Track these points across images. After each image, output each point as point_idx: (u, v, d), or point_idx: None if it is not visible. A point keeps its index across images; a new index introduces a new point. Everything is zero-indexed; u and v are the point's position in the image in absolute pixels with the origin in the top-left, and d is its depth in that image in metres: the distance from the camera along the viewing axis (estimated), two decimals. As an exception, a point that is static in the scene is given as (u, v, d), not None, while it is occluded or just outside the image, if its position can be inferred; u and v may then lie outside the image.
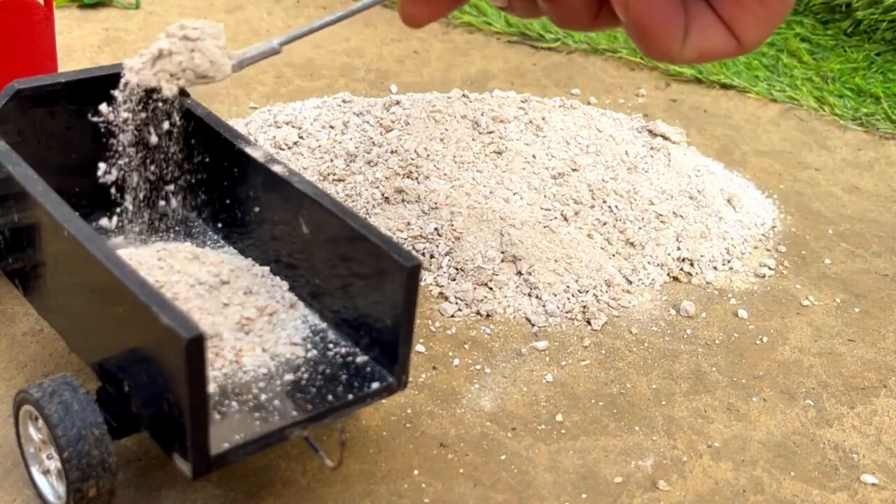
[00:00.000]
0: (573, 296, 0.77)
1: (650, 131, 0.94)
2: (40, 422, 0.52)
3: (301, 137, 0.89)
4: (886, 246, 0.91)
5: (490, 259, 0.77)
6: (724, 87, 1.21)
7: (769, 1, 0.40)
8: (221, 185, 0.66)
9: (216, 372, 0.54)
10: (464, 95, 0.95)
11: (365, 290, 0.56)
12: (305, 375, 0.55)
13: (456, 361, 0.70)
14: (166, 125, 0.60)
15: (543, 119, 0.91)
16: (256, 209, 0.63)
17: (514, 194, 0.83)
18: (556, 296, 0.76)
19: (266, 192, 0.61)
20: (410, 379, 0.61)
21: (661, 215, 0.84)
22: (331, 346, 0.58)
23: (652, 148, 0.92)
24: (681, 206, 0.86)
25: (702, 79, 1.21)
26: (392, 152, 0.85)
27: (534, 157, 0.87)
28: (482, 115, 0.89)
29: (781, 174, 1.02)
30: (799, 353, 0.75)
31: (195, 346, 0.45)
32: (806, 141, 1.10)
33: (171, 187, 0.66)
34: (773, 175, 1.02)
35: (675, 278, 0.82)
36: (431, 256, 0.78)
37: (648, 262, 0.81)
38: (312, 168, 0.85)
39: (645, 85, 1.20)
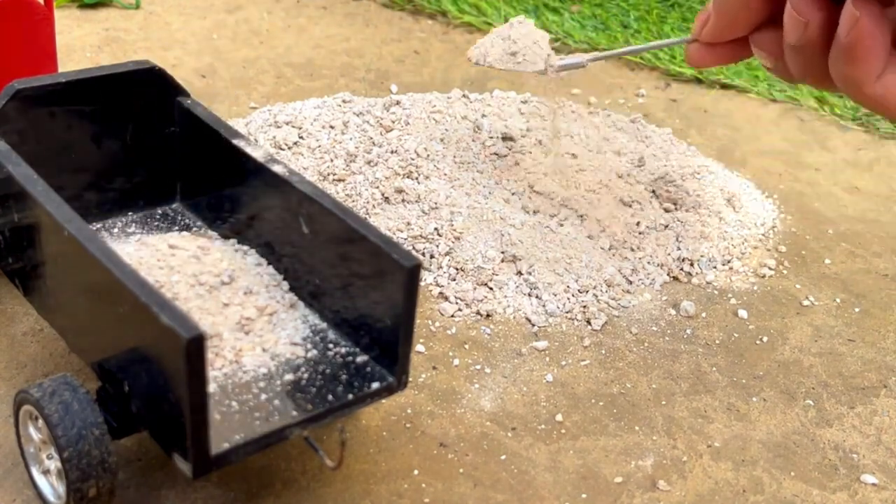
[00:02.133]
0: (573, 296, 0.77)
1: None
2: (40, 422, 0.52)
3: (301, 137, 0.89)
4: (886, 246, 0.91)
5: (490, 259, 0.77)
6: (724, 87, 1.21)
7: None
8: (221, 185, 0.66)
9: (216, 372, 0.54)
10: (464, 95, 0.95)
11: (365, 290, 0.56)
12: (305, 375, 0.55)
13: (456, 361, 0.70)
14: None
15: (544, 122, 0.91)
16: (256, 209, 0.63)
17: (514, 194, 0.83)
18: (556, 296, 0.76)
19: (266, 192, 0.61)
20: (410, 379, 0.61)
21: (664, 212, 0.84)
22: (331, 346, 0.58)
23: (649, 146, 0.92)
24: (681, 207, 0.86)
25: (702, 79, 1.21)
26: (392, 152, 0.85)
27: (535, 154, 0.87)
28: (488, 129, 0.89)
29: (781, 174, 1.02)
30: (799, 353, 0.75)
31: (195, 346, 0.45)
32: (806, 141, 1.11)
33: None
34: (773, 175, 1.02)
35: (675, 278, 0.82)
36: (431, 256, 0.78)
37: (648, 262, 0.81)
38: (312, 168, 0.85)
39: (645, 85, 1.20)
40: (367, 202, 0.81)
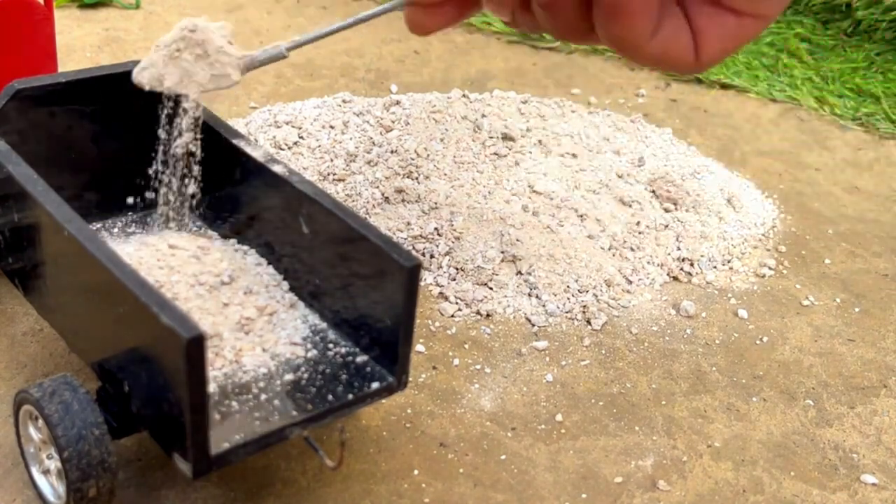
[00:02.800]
0: (573, 296, 0.77)
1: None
2: (40, 422, 0.52)
3: (301, 137, 0.89)
4: (886, 246, 0.91)
5: (490, 259, 0.77)
6: (724, 87, 1.21)
7: (743, 20, 0.39)
8: (221, 184, 0.66)
9: (216, 372, 0.54)
10: (464, 95, 0.95)
11: (365, 290, 0.56)
12: (305, 375, 0.55)
13: (456, 361, 0.70)
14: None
15: (544, 122, 0.91)
16: (256, 209, 0.63)
17: (514, 195, 0.83)
18: (556, 296, 0.76)
19: (266, 192, 0.61)
20: (410, 379, 0.61)
21: (664, 212, 0.84)
22: (331, 346, 0.58)
23: (649, 146, 0.92)
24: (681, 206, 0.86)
25: (702, 79, 1.21)
26: (392, 152, 0.85)
27: (532, 154, 0.87)
28: (488, 129, 0.89)
29: (781, 174, 1.02)
30: (799, 353, 0.75)
31: (195, 346, 0.45)
32: (806, 141, 1.10)
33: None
34: (773, 175, 1.02)
35: (675, 278, 0.82)
36: (431, 256, 0.78)
37: (648, 262, 0.81)
38: (312, 168, 0.85)
39: (645, 85, 1.20)
40: (367, 202, 0.81)
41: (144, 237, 0.65)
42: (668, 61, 0.39)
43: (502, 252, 0.78)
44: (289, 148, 0.88)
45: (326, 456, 0.57)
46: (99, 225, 0.68)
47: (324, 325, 0.59)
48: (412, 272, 0.51)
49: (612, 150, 0.91)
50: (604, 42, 0.39)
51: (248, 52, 0.58)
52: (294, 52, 0.58)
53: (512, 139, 0.88)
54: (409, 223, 0.79)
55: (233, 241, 0.65)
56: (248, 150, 0.62)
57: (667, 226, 0.84)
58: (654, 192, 0.87)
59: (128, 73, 0.66)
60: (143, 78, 0.59)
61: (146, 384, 0.50)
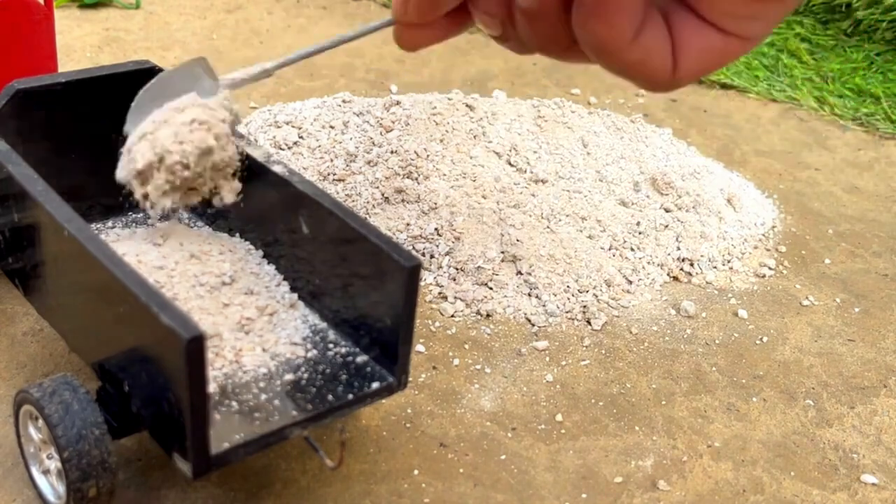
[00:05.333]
0: (573, 296, 0.77)
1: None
2: (40, 422, 0.52)
3: (301, 137, 0.89)
4: (886, 246, 0.91)
5: (490, 259, 0.77)
6: (724, 87, 1.21)
7: (728, 39, 0.37)
8: (221, 185, 0.66)
9: (216, 372, 0.54)
10: (464, 96, 0.95)
11: (365, 290, 0.56)
12: (305, 375, 0.55)
13: (456, 361, 0.70)
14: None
15: (542, 123, 0.91)
16: (256, 209, 0.63)
17: (514, 195, 0.83)
18: (556, 296, 0.76)
19: (266, 192, 0.61)
20: (410, 379, 0.61)
21: (665, 212, 0.84)
22: (331, 346, 0.58)
23: (648, 146, 0.92)
24: (681, 206, 0.86)
25: (702, 79, 1.21)
26: (392, 152, 0.85)
27: (535, 154, 0.87)
28: (491, 133, 0.89)
29: (781, 174, 1.02)
30: (799, 353, 0.75)
31: (195, 346, 0.45)
32: (806, 141, 1.10)
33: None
34: (773, 175, 1.02)
35: (675, 278, 0.82)
36: (431, 256, 0.78)
37: (648, 262, 0.81)
38: (312, 168, 0.85)
39: (645, 85, 1.20)
40: (367, 202, 0.81)
41: (144, 237, 0.65)
42: (645, 71, 0.37)
43: (502, 252, 0.78)
44: (289, 148, 0.88)
45: (326, 456, 0.57)
46: (99, 225, 0.68)
47: (324, 325, 0.59)
48: (412, 272, 0.51)
49: (611, 151, 0.91)
50: (583, 47, 0.38)
51: (231, 74, 0.58)
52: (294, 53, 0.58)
53: (512, 139, 0.88)
54: (408, 223, 0.79)
55: (233, 241, 0.65)
56: (248, 150, 0.62)
57: (667, 226, 0.84)
58: (653, 191, 0.87)
59: (128, 73, 0.66)
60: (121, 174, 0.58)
61: (146, 384, 0.50)
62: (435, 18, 0.44)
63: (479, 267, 0.77)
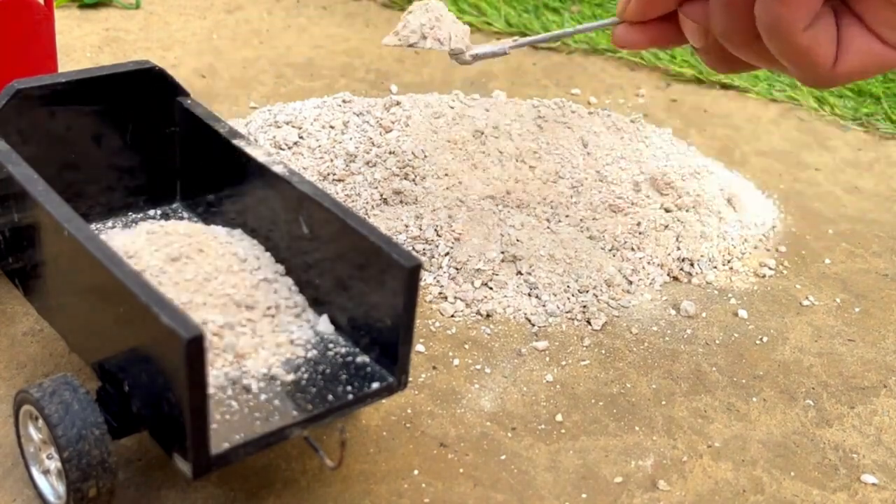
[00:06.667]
0: (573, 296, 0.77)
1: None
2: (40, 422, 0.52)
3: (301, 137, 0.89)
4: (886, 246, 0.91)
5: (490, 259, 0.77)
6: (724, 87, 1.21)
7: (887, 50, 0.42)
8: (221, 184, 0.66)
9: (216, 372, 0.54)
10: (464, 96, 0.95)
11: (365, 290, 0.56)
12: (305, 375, 0.55)
13: (456, 361, 0.70)
14: None
15: (542, 123, 0.91)
16: (256, 209, 0.63)
17: (514, 195, 0.83)
18: (556, 296, 0.76)
19: (266, 192, 0.61)
20: (410, 379, 0.61)
21: (665, 212, 0.84)
22: (331, 346, 0.58)
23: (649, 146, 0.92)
24: (681, 206, 0.86)
25: (702, 79, 1.21)
26: (391, 153, 0.85)
27: (535, 154, 0.87)
28: (489, 132, 0.89)
29: (781, 174, 1.02)
30: (799, 353, 0.75)
31: (195, 346, 0.45)
32: (806, 141, 1.11)
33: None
34: (773, 175, 1.02)
35: (675, 278, 0.82)
36: (431, 257, 0.78)
37: (648, 262, 0.81)
38: (312, 168, 0.85)
39: (645, 85, 1.20)
40: (367, 202, 0.81)
41: (144, 236, 0.65)
42: (809, 58, 0.42)
43: (502, 252, 0.78)
44: (289, 148, 0.88)
45: (326, 456, 0.57)
46: (99, 225, 0.68)
47: (324, 325, 0.59)
48: (412, 272, 0.51)
49: (611, 151, 0.91)
50: (761, 26, 0.42)
51: (476, 47, 0.68)
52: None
53: (511, 140, 0.88)
54: (408, 224, 0.79)
55: (232, 238, 0.65)
56: (248, 150, 0.62)
57: (667, 226, 0.84)
58: (654, 191, 0.87)
59: (128, 73, 0.66)
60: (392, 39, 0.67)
61: (146, 384, 0.50)
62: (651, 18, 0.51)
63: (478, 269, 0.77)
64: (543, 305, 0.76)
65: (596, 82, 1.19)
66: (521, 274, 0.77)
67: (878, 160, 1.08)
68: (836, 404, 0.71)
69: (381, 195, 0.82)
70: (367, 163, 0.85)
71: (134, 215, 0.69)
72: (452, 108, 0.91)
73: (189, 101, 0.67)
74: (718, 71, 0.50)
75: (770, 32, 0.42)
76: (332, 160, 0.86)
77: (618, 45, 0.53)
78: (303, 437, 0.54)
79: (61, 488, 0.53)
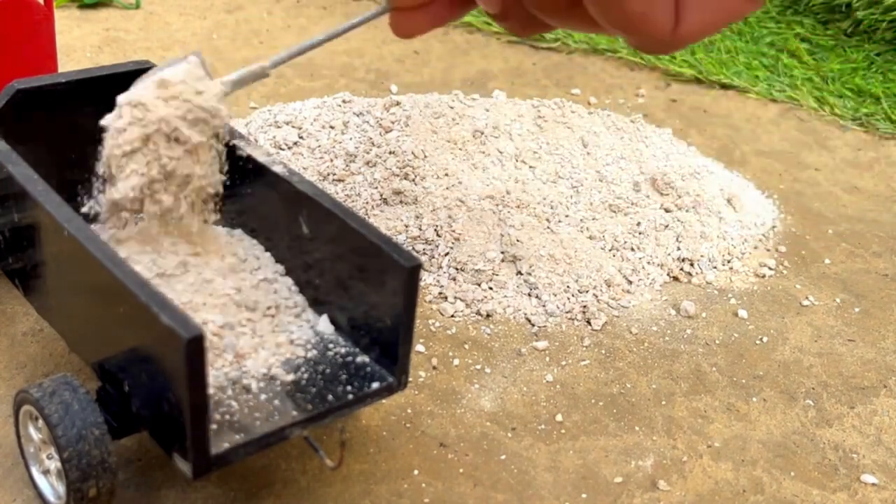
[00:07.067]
0: (573, 296, 0.77)
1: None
2: (40, 422, 0.52)
3: (301, 137, 0.89)
4: (886, 246, 0.91)
5: (490, 259, 0.77)
6: (724, 87, 1.21)
7: None
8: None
9: (216, 372, 0.54)
10: (464, 96, 0.95)
11: (365, 290, 0.56)
12: (305, 375, 0.55)
13: (456, 361, 0.70)
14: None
15: (542, 123, 0.91)
16: (256, 209, 0.63)
17: (512, 195, 0.83)
18: (556, 296, 0.76)
19: (266, 193, 0.61)
20: (410, 379, 0.61)
21: (665, 212, 0.84)
22: (331, 346, 0.58)
23: (647, 145, 0.92)
24: (681, 206, 0.86)
25: (702, 79, 1.21)
26: (391, 153, 0.85)
27: (535, 154, 0.87)
28: (488, 133, 0.89)
29: (781, 174, 1.02)
30: (799, 353, 0.75)
31: (195, 346, 0.45)
32: (806, 141, 1.11)
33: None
34: (773, 175, 1.02)
35: (675, 278, 0.82)
36: (431, 257, 0.78)
37: (648, 262, 0.81)
38: (312, 168, 0.85)
39: (645, 85, 1.20)
40: (367, 202, 0.81)
41: (143, 236, 0.65)
42: (646, 24, 0.35)
43: (502, 252, 0.78)
44: (289, 148, 0.88)
45: (326, 456, 0.57)
46: (99, 225, 0.68)
47: (324, 325, 0.59)
48: (412, 272, 0.51)
49: (610, 151, 0.91)
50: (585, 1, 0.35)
51: (228, 76, 0.57)
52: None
53: (510, 140, 0.88)
54: (408, 224, 0.79)
55: (232, 238, 0.65)
56: (248, 150, 0.62)
57: (667, 226, 0.84)
58: (653, 191, 0.87)
59: (128, 73, 0.66)
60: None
61: (146, 384, 0.50)
62: (429, 1, 0.43)
63: (478, 267, 0.77)
64: (543, 305, 0.76)
65: (596, 82, 1.19)
66: (521, 274, 0.77)
67: (878, 160, 1.08)
68: (836, 404, 0.71)
69: (381, 195, 0.82)
70: (367, 163, 0.85)
71: (133, 215, 0.69)
72: (452, 108, 0.91)
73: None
74: (520, 35, 0.43)
75: (595, 2, 0.35)
76: (332, 160, 0.86)
77: (399, 34, 0.46)
78: (303, 437, 0.54)
79: (61, 488, 0.53)
